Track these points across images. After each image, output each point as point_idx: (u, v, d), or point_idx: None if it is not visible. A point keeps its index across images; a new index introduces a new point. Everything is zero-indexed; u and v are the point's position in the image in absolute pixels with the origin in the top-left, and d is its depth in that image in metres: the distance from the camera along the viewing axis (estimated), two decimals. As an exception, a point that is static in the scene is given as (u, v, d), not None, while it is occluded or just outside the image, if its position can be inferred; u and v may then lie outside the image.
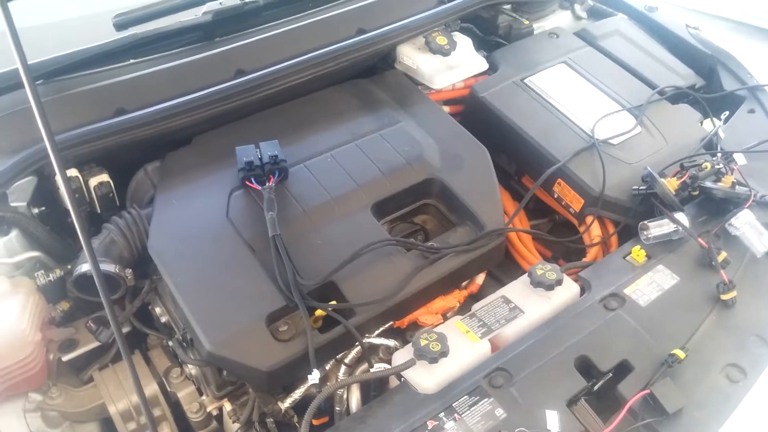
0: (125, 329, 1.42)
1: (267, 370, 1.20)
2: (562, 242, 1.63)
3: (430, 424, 1.12)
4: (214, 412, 1.35)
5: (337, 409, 1.32)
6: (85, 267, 1.29)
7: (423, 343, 1.22)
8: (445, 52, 1.82)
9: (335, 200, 1.45)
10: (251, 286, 1.28)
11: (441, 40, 1.82)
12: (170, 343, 1.32)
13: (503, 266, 1.61)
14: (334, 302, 1.30)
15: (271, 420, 1.30)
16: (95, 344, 1.39)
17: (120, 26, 1.62)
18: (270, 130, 1.60)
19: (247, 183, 1.42)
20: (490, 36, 2.06)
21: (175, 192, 1.45)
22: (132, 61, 1.60)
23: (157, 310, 1.40)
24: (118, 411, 1.33)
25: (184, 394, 1.37)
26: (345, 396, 1.32)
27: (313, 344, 1.21)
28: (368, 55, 1.77)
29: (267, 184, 1.41)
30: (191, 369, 1.34)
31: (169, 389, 1.39)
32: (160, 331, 1.44)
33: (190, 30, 1.66)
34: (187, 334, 1.27)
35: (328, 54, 1.68)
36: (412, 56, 1.84)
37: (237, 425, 1.31)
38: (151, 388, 1.37)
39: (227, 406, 1.33)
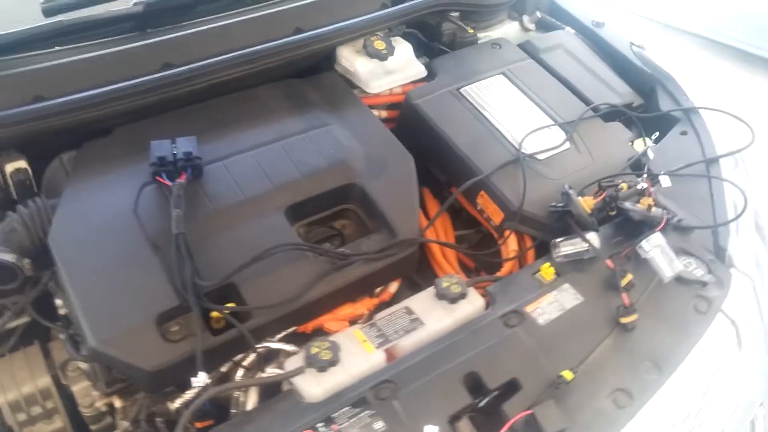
0: (24, 319, 1.41)
1: (151, 370, 1.19)
2: (476, 255, 1.63)
3: (306, 433, 1.12)
4: (103, 409, 1.33)
5: (233, 411, 1.31)
6: (-21, 254, 1.28)
7: (314, 350, 1.22)
8: (382, 57, 1.81)
9: (249, 201, 1.44)
10: (147, 283, 1.27)
11: (379, 44, 1.81)
12: (62, 337, 1.30)
13: (426, 276, 1.61)
14: (232, 304, 1.29)
15: (161, 420, 1.29)
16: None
17: (48, 12, 1.60)
18: (195, 125, 1.58)
19: (158, 178, 1.41)
20: (434, 43, 2.05)
21: (86, 183, 1.43)
22: (57, 48, 1.57)
23: (58, 301, 1.38)
24: (7, 401, 1.31)
25: (79, 388, 1.36)
26: (242, 399, 1.32)
27: (201, 346, 1.20)
28: (304, 55, 1.76)
29: (178, 180, 1.39)
30: (82, 364, 1.33)
31: (64, 382, 1.38)
32: (62, 324, 1.42)
33: (120, 20, 1.64)
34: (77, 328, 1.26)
35: (260, 52, 1.67)
36: (350, 59, 1.83)
37: (126, 423, 1.31)
38: (44, 381, 1.35)
39: (117, 403, 1.32)
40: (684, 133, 1.84)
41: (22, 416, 1.36)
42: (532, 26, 2.20)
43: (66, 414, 1.42)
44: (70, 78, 1.53)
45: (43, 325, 1.39)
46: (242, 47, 1.68)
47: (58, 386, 1.39)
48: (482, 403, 1.20)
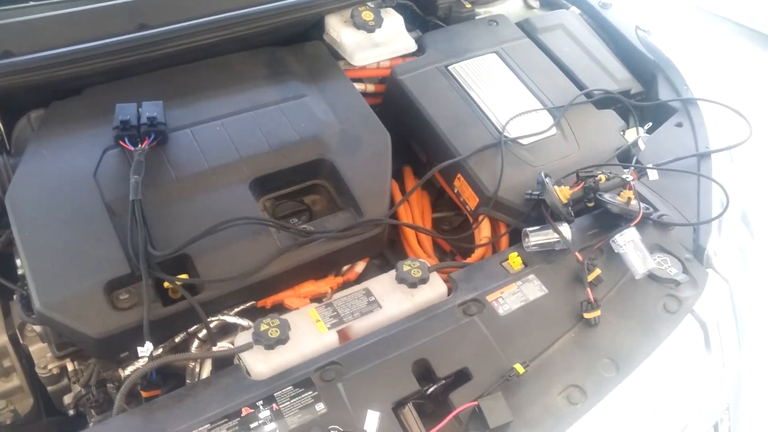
0: (-16, 276, 1.40)
1: (96, 337, 1.17)
2: (447, 239, 1.60)
3: (245, 411, 1.10)
4: (55, 371, 1.33)
5: (188, 381, 1.30)
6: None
7: (263, 328, 1.20)
8: (369, 28, 1.75)
9: (213, 171, 1.41)
10: (99, 250, 1.25)
11: (366, 15, 1.76)
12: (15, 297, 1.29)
13: (402, 256, 1.57)
14: (184, 276, 1.27)
15: (112, 385, 1.28)
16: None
17: (23, -35, 1.56)
18: (168, 90, 1.56)
19: (121, 143, 1.38)
20: (429, 16, 1.99)
21: (49, 142, 1.41)
22: (31, 3, 1.54)
23: (18, 261, 1.37)
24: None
25: (36, 348, 1.35)
26: (197, 370, 1.30)
27: (149, 316, 1.18)
28: (286, 23, 1.71)
29: (140, 146, 1.37)
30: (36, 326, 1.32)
31: (21, 342, 1.37)
32: (21, 284, 1.41)
33: (97, -24, 1.60)
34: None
35: (238, 17, 1.62)
36: (337, 29, 1.78)
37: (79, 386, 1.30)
38: (0, 339, 1.35)
39: (70, 366, 1.31)
40: (679, 125, 1.77)
41: (-25, 372, 1.36)
42: (536, 4, 2.12)
43: (24, 373, 1.42)
44: (41, 35, 1.49)
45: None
46: (222, 11, 1.63)
47: (17, 346, 1.39)
48: (429, 391, 1.17)
